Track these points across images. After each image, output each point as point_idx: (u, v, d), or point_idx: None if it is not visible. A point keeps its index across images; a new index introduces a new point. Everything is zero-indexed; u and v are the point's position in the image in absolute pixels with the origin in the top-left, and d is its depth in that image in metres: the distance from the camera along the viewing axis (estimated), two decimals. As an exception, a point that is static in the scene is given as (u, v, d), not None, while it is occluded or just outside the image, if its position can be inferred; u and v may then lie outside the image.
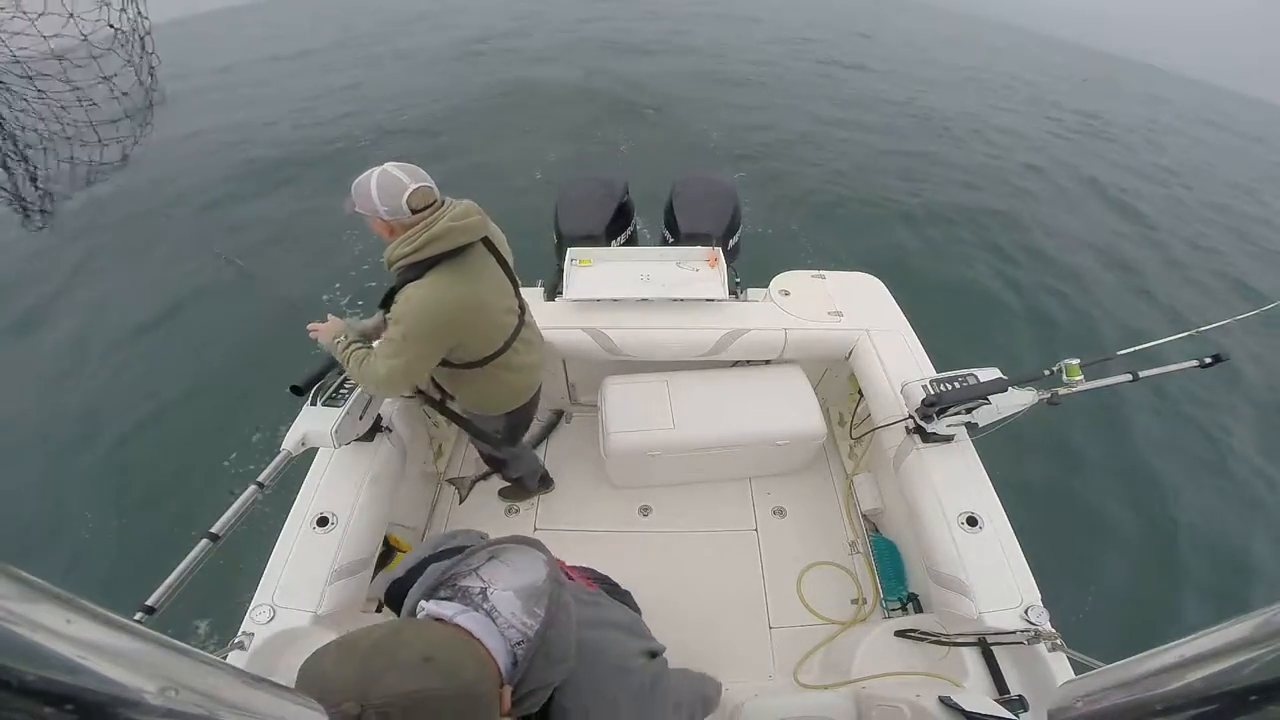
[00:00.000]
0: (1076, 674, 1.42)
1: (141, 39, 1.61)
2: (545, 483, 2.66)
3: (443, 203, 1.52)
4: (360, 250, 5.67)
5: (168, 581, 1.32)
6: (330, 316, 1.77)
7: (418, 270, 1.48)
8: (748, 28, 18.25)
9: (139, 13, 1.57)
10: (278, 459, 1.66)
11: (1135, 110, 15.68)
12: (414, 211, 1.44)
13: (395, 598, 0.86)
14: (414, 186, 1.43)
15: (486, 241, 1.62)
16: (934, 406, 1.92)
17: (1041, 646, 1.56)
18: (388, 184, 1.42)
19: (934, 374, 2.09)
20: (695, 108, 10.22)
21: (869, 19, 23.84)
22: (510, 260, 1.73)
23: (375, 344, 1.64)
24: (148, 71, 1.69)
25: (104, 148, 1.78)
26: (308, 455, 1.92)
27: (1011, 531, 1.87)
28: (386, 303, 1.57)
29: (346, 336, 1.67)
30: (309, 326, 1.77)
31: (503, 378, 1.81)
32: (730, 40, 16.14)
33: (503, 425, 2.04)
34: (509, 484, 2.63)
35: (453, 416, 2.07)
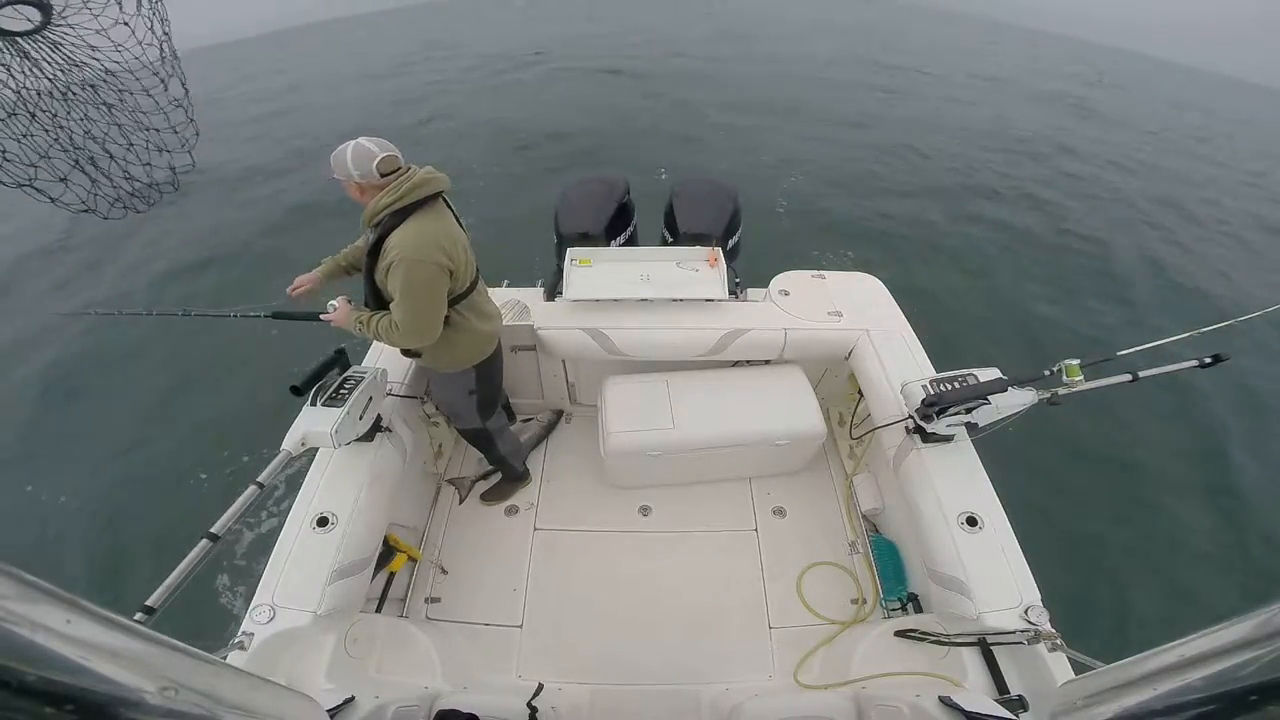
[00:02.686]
0: (1076, 674, 1.42)
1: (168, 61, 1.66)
2: (525, 472, 2.69)
3: (408, 167, 1.74)
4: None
5: (168, 581, 1.31)
6: (332, 303, 1.90)
7: (398, 218, 1.69)
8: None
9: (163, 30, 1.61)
10: (278, 459, 1.66)
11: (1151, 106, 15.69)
12: (382, 175, 1.66)
13: None
14: (382, 155, 1.65)
15: (445, 201, 1.84)
16: (934, 406, 1.92)
17: (1041, 646, 1.56)
18: (360, 153, 1.64)
19: (934, 374, 2.09)
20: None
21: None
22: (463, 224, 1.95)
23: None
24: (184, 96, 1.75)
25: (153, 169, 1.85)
26: (308, 455, 1.92)
27: (1011, 531, 1.87)
28: (374, 253, 1.72)
29: (361, 314, 1.84)
30: (322, 318, 1.90)
31: (470, 323, 1.95)
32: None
33: (473, 381, 2.12)
34: (490, 487, 2.67)
35: (430, 383, 2.21)
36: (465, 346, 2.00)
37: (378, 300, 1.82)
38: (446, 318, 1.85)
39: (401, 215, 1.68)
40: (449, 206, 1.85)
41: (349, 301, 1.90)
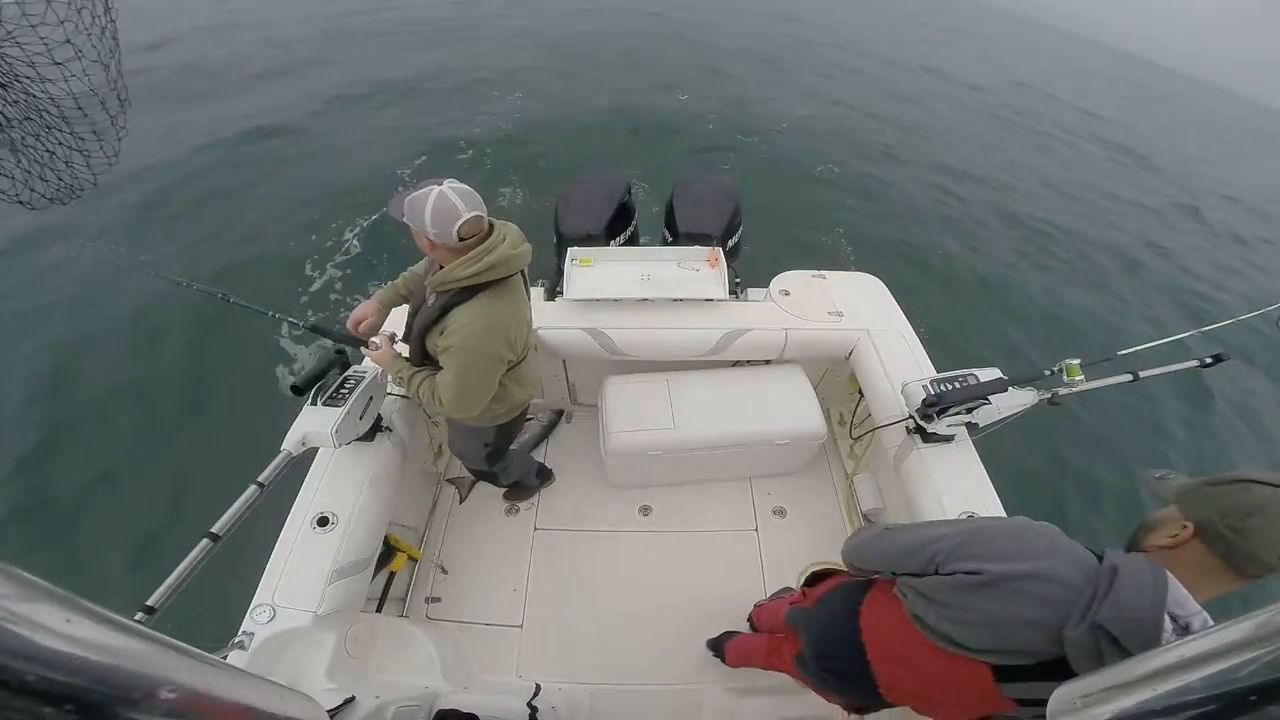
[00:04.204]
0: (1077, 674, 1.42)
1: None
2: (545, 476, 2.67)
3: (491, 226, 1.55)
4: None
5: (168, 581, 1.32)
6: (374, 340, 1.80)
7: (468, 293, 1.54)
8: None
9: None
10: (278, 459, 1.66)
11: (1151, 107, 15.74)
12: (461, 239, 1.47)
13: None
14: (467, 215, 1.45)
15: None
16: (934, 406, 1.92)
17: None
18: (444, 208, 1.43)
19: (934, 374, 2.09)
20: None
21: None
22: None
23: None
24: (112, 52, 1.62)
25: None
26: (308, 455, 1.92)
27: None
28: (437, 321, 1.60)
29: (404, 369, 1.73)
30: (363, 350, 1.81)
31: (512, 392, 1.85)
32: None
33: (492, 438, 2.04)
34: (512, 487, 2.64)
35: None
36: (496, 410, 1.89)
37: (422, 359, 1.73)
38: None
39: (472, 290, 1.53)
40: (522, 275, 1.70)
41: (392, 343, 1.80)
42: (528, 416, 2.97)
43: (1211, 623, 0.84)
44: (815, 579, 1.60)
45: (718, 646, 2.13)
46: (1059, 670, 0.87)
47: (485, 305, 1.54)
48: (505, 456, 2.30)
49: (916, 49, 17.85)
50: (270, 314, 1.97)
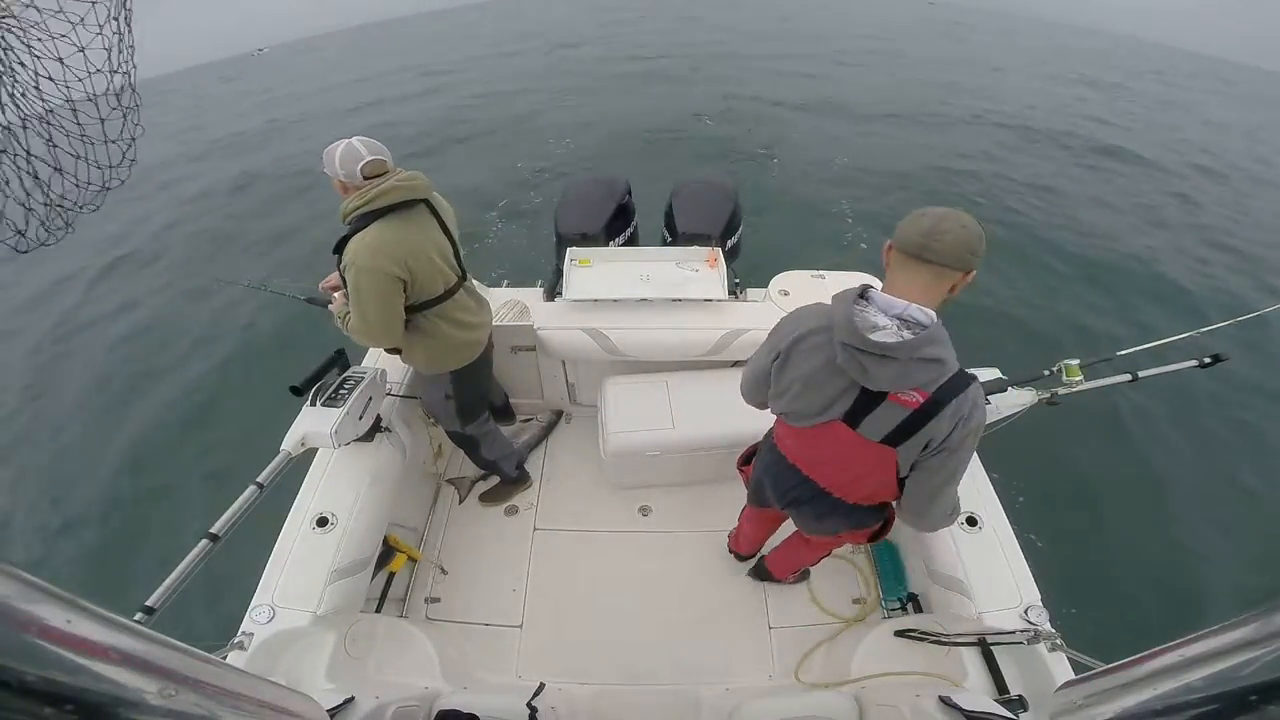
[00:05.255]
0: (1076, 674, 1.42)
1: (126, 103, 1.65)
2: (522, 476, 2.64)
3: (395, 170, 1.74)
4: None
5: (168, 581, 1.32)
6: (334, 294, 1.96)
7: (366, 221, 1.69)
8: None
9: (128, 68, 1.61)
10: (277, 459, 1.66)
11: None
12: (365, 178, 1.68)
13: None
14: (369, 158, 1.67)
15: (431, 209, 1.83)
16: (933, 406, 1.93)
17: (1041, 646, 1.56)
18: (349, 154, 1.66)
19: None
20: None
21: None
22: (454, 230, 1.93)
23: None
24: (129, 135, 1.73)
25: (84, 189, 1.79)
26: (308, 455, 1.92)
27: (1011, 531, 1.87)
28: (339, 249, 1.73)
29: (344, 308, 1.87)
30: (329, 306, 1.96)
31: (445, 331, 1.93)
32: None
33: (450, 387, 2.10)
34: (489, 488, 2.65)
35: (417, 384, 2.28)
36: (437, 351, 1.96)
37: None
38: (414, 323, 1.85)
39: (370, 219, 1.68)
40: (434, 212, 1.83)
41: (344, 295, 1.89)
42: (526, 417, 2.99)
43: (932, 313, 1.07)
44: (744, 461, 1.90)
45: (762, 572, 2.26)
46: (871, 396, 1.12)
47: (377, 228, 1.68)
48: (481, 418, 2.31)
49: (937, 59, 17.89)
50: (288, 295, 2.20)
